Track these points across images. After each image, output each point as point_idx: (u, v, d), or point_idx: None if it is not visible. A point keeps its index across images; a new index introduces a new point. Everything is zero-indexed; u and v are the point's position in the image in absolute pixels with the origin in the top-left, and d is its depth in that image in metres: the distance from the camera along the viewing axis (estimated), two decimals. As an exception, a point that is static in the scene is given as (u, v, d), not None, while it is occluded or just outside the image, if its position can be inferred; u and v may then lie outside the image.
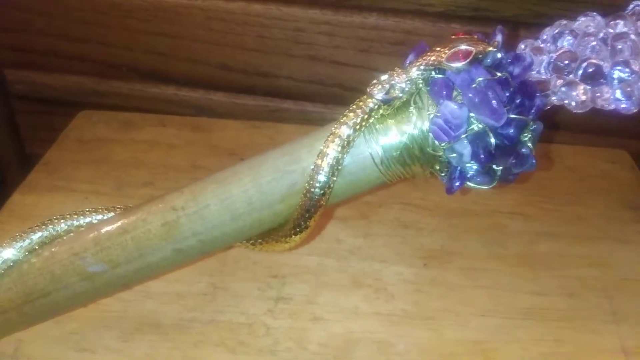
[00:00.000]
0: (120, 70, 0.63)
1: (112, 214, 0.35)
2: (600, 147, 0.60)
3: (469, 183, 0.30)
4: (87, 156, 0.55)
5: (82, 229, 0.35)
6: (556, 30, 0.28)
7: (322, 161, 0.30)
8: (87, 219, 0.35)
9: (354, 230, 0.49)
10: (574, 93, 0.28)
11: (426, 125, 0.29)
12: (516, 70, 0.28)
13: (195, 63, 0.62)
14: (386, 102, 0.29)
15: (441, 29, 0.57)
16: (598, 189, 0.55)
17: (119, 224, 0.33)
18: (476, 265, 0.46)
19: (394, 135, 0.30)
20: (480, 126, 0.28)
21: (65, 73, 0.65)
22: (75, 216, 0.35)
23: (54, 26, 0.62)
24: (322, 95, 0.62)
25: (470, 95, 0.27)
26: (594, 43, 0.27)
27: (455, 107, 0.28)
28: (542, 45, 0.29)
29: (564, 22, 0.29)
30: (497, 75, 0.28)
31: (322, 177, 0.30)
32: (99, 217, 0.35)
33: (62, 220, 0.35)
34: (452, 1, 0.56)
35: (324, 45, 0.59)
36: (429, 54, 0.28)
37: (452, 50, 0.27)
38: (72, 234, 0.35)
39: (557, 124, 0.59)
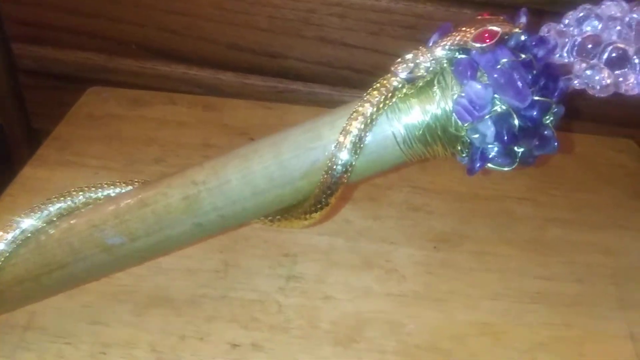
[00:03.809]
0: (130, 47, 0.63)
1: (130, 187, 0.35)
2: (608, 136, 0.60)
3: (490, 164, 0.30)
4: (97, 132, 0.55)
5: (101, 201, 0.35)
6: (580, 14, 0.29)
7: (344, 139, 0.30)
8: (106, 192, 0.35)
9: (364, 211, 0.50)
10: (598, 77, 0.28)
11: (449, 105, 0.29)
12: (540, 53, 0.28)
13: (205, 42, 0.62)
14: (410, 81, 0.29)
15: (453, 14, 0.56)
16: (606, 177, 0.55)
17: (139, 197, 0.33)
18: (486, 249, 0.47)
19: (417, 114, 0.30)
20: (504, 107, 0.28)
21: (74, 49, 0.65)
22: (94, 189, 0.35)
23: (64, 1, 0.61)
24: (332, 78, 0.62)
25: (496, 75, 0.27)
26: (619, 27, 0.28)
27: (480, 87, 0.28)
28: (565, 29, 0.29)
29: (588, 6, 0.29)
30: (521, 57, 0.28)
31: (344, 155, 0.30)
32: (117, 190, 0.35)
33: (80, 193, 0.35)
34: (466, -14, 0.56)
35: (335, 27, 0.59)
36: (454, 33, 0.29)
37: (478, 31, 0.27)
38: (90, 206, 0.35)
39: (567, 113, 0.59)
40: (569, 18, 0.29)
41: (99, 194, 0.35)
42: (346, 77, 0.62)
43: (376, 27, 0.58)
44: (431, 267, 0.45)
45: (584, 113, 0.59)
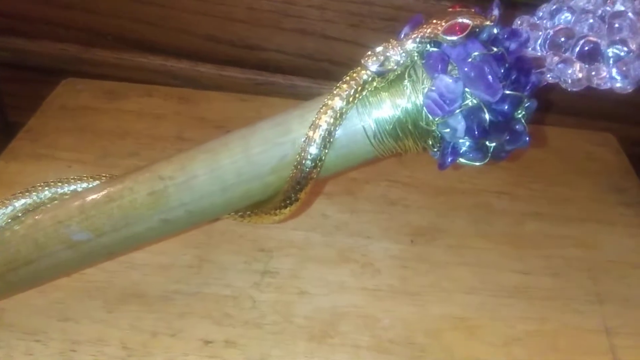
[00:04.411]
0: (106, 38, 0.62)
1: (97, 182, 0.35)
2: (587, 130, 0.60)
3: (461, 159, 0.29)
4: (71, 124, 0.54)
5: (67, 196, 0.34)
6: (553, 7, 0.28)
7: (313, 133, 0.30)
8: (72, 187, 0.34)
9: (340, 206, 0.49)
10: (570, 70, 0.28)
11: (420, 99, 0.29)
12: (512, 46, 0.28)
13: (183, 33, 0.61)
14: (380, 74, 0.29)
15: (432, 5, 0.56)
16: (585, 171, 0.55)
17: (105, 192, 0.33)
18: (462, 243, 0.47)
19: (388, 108, 0.30)
20: (475, 101, 0.28)
21: (49, 40, 0.63)
22: (60, 184, 0.34)
23: (38, -9, 0.60)
24: (311, 70, 0.62)
25: (466, 69, 0.27)
26: (592, 20, 0.27)
27: (450, 81, 0.27)
28: (538, 22, 0.29)
29: (561, -2, 0.29)
30: (493, 50, 0.27)
31: (313, 149, 0.30)
32: (84, 185, 0.35)
33: (46, 188, 0.34)
34: (445, -22, 0.55)
35: (315, 19, 0.59)
36: (425, 26, 0.28)
37: (449, 23, 0.27)
38: (56, 202, 0.34)
39: (546, 106, 0.59)
40: (542, 10, 0.29)
41: (65, 189, 0.34)
42: (326, 70, 0.61)
43: (356, 19, 0.58)
44: (407, 261, 0.45)
45: (562, 106, 0.59)
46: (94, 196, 0.33)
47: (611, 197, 0.52)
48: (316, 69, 0.61)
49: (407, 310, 0.41)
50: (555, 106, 0.59)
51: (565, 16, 0.28)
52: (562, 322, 0.41)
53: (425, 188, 0.51)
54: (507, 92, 0.27)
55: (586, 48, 0.27)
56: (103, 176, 0.35)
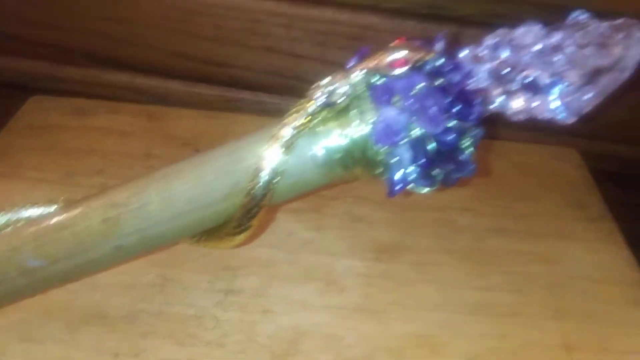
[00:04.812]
0: (76, 55, 0.62)
1: (54, 206, 0.35)
2: (549, 145, 0.61)
3: (410, 187, 0.30)
4: (36, 143, 0.54)
5: (21, 222, 0.34)
6: (496, 39, 0.29)
7: (264, 162, 0.30)
8: (28, 212, 0.35)
9: (306, 223, 0.50)
10: (511, 102, 0.28)
11: (367, 130, 0.29)
12: (456, 78, 0.28)
13: (151, 50, 0.61)
14: (327, 105, 0.29)
15: (397, 25, 0.57)
16: (547, 187, 0.55)
17: (59, 218, 0.33)
18: (426, 260, 0.47)
19: (336, 138, 0.30)
20: (420, 132, 0.28)
21: (16, 56, 0.63)
22: (16, 208, 0.34)
23: (5, 7, 0.60)
24: (279, 87, 0.62)
25: (410, 101, 0.28)
26: (533, 53, 0.28)
27: (395, 112, 0.28)
28: (482, 54, 0.29)
29: (505, 30, 0.29)
30: (437, 82, 0.28)
31: (264, 178, 0.30)
32: (41, 210, 0.35)
33: (1, 213, 0.34)
34: (409, -2, 0.56)
35: (281, 37, 0.59)
36: (370, 59, 0.29)
37: (391, 57, 0.28)
38: (10, 228, 0.34)
39: (506, 121, 0.60)
40: (487, 42, 0.29)
41: (22, 214, 0.34)
42: (294, 87, 0.61)
43: (322, 37, 0.58)
44: (371, 279, 0.45)
45: (524, 121, 0.59)
46: (49, 222, 0.33)
47: (574, 213, 0.53)
48: (284, 86, 0.62)
49: (371, 327, 0.42)
50: (517, 121, 0.59)
51: (508, 49, 0.28)
52: (522, 338, 0.42)
53: (389, 204, 0.52)
54: (451, 123, 0.28)
55: (526, 81, 0.28)
56: (60, 201, 0.35)
